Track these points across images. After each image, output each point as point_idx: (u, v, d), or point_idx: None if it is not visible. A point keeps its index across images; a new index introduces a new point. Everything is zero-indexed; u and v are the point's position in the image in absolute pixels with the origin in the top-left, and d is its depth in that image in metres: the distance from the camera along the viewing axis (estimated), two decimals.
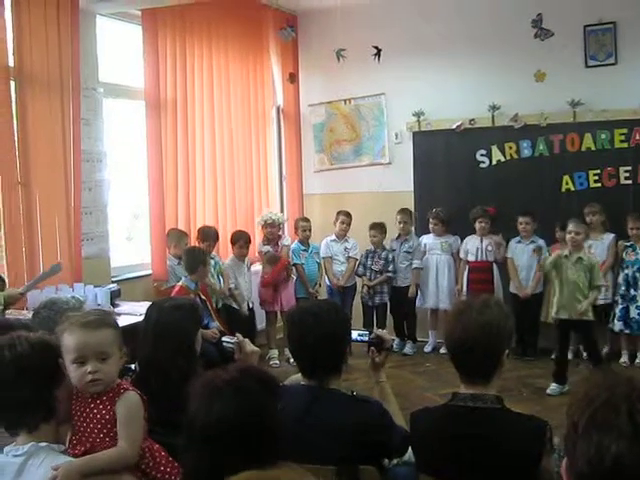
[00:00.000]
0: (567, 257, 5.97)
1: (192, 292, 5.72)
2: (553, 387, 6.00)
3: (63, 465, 2.22)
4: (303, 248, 7.50)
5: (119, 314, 5.12)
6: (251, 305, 7.08)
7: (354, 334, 3.02)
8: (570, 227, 6.03)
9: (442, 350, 7.07)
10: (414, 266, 7.50)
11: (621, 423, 1.34)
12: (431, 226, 7.54)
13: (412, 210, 7.68)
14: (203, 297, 5.87)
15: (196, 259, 5.88)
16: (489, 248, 7.25)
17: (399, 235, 7.58)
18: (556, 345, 6.25)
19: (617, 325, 6.73)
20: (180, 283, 5.80)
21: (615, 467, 1.32)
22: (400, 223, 7.51)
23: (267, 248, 7.23)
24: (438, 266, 7.54)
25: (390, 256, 7.52)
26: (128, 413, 2.44)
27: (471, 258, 7.33)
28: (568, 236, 6.01)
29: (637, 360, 6.78)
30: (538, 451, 2.27)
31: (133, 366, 3.09)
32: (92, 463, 2.34)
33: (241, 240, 6.95)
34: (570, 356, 6.48)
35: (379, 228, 7.52)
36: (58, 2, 5.34)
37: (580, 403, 1.43)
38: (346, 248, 7.59)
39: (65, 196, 5.48)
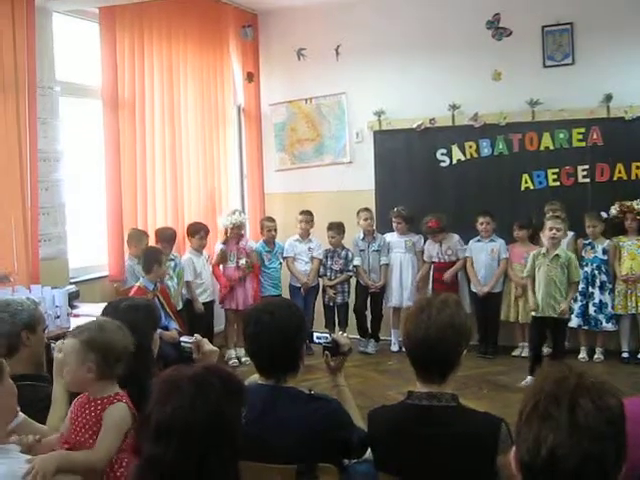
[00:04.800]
0: (544, 255, 6.01)
1: (150, 293, 5.66)
2: (528, 380, 5.82)
3: (40, 456, 2.30)
4: (267, 249, 7.48)
5: (77, 316, 5.08)
6: (211, 299, 7.12)
7: (314, 336, 3.02)
8: (550, 224, 6.04)
9: None
10: (382, 262, 7.52)
11: (561, 415, 1.37)
12: (394, 225, 7.53)
13: (372, 210, 7.67)
14: (162, 298, 5.81)
15: (151, 259, 5.83)
16: (449, 252, 7.31)
17: (365, 235, 7.55)
18: (530, 342, 6.33)
19: (574, 321, 6.81)
20: (138, 283, 5.75)
21: (550, 458, 1.35)
22: (366, 220, 7.48)
23: (220, 246, 7.23)
24: (402, 265, 7.54)
25: (350, 255, 7.53)
26: (110, 422, 2.56)
27: (435, 260, 7.40)
28: (549, 233, 5.98)
29: (595, 355, 6.87)
30: (493, 447, 2.27)
31: None
32: (69, 458, 2.45)
33: (202, 231, 6.98)
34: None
35: (337, 228, 7.50)
36: None
37: (528, 393, 1.46)
38: (310, 248, 7.56)
39: (21, 196, 5.35)
